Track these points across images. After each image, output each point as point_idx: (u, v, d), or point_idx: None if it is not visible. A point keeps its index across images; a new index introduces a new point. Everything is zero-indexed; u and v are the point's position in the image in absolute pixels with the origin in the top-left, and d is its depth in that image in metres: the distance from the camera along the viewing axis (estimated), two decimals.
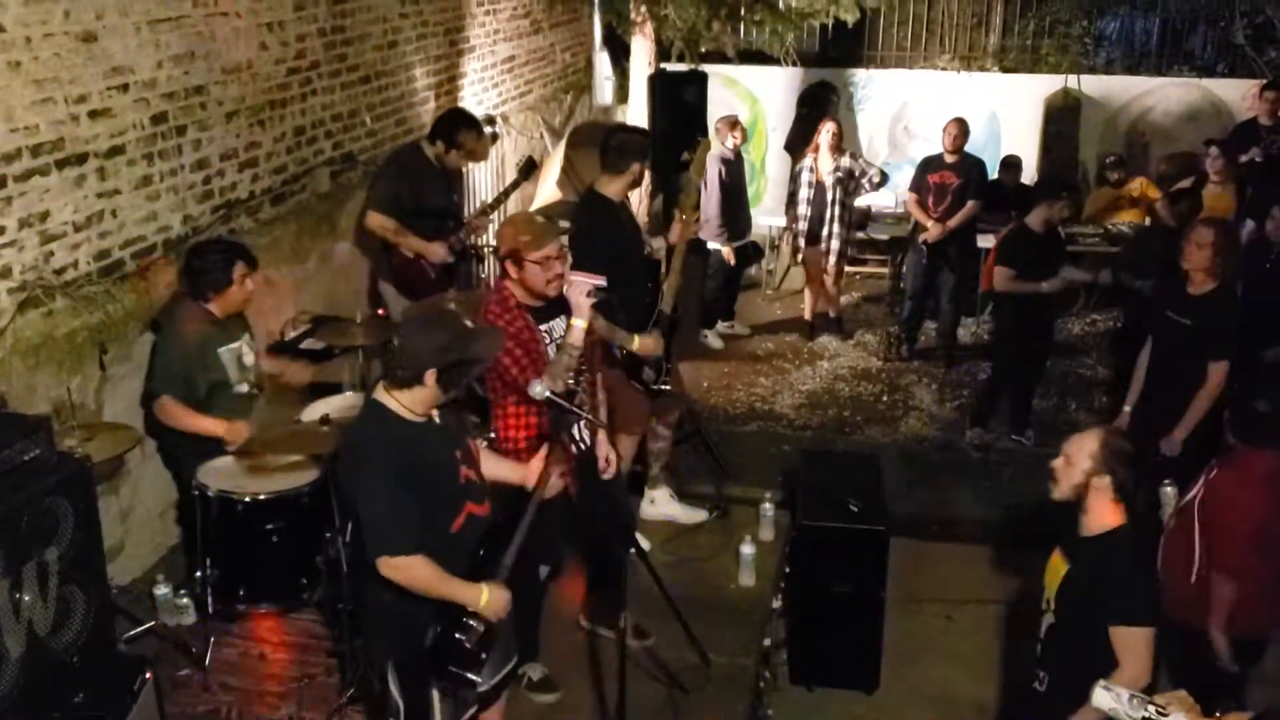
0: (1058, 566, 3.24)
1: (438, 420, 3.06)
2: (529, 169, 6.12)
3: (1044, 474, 6.13)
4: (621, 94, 9.51)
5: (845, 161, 7.77)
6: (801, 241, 7.88)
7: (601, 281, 4.53)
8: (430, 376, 2.92)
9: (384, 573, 2.90)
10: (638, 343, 4.53)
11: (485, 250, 7.48)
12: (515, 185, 6.09)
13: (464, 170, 6.82)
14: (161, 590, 4.27)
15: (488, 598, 2.99)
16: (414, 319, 3.06)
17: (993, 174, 8.41)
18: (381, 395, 2.99)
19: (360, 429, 3.03)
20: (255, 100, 5.21)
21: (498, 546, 3.13)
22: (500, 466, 3.44)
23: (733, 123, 7.86)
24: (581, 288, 3.84)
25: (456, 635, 2.99)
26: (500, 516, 3.23)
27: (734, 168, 7.85)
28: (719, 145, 7.56)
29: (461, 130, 5.64)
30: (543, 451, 3.28)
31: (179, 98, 4.70)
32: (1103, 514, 3.13)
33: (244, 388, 4.36)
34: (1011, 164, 8.59)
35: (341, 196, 5.95)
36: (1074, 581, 3.15)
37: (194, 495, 4.01)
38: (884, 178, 8.02)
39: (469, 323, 2.99)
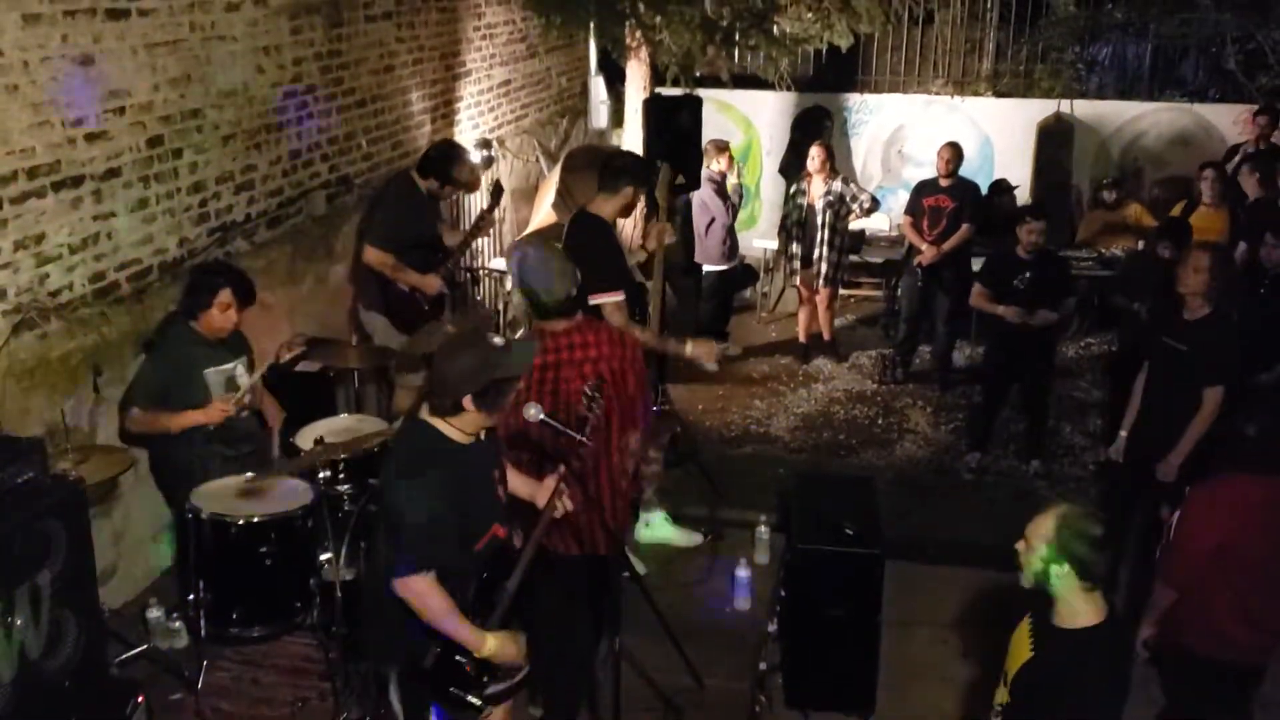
0: (1021, 646, 2.96)
1: (483, 438, 3.11)
2: (498, 193, 6.18)
3: (1040, 499, 6.22)
4: (616, 118, 9.57)
5: (837, 186, 7.84)
6: (797, 264, 7.94)
7: (621, 297, 4.59)
8: (469, 402, 2.96)
9: (399, 590, 2.92)
10: (690, 348, 4.57)
11: (481, 273, 7.52)
12: (490, 210, 6.14)
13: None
14: (154, 613, 4.27)
15: (493, 646, 2.98)
16: (444, 347, 3.11)
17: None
18: (429, 418, 3.02)
19: (410, 446, 3.05)
20: (251, 124, 5.25)
21: (502, 569, 3.14)
22: (514, 480, 3.46)
23: (720, 147, 7.93)
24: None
25: (458, 658, 2.99)
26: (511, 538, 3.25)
27: (720, 191, 7.91)
28: (706, 168, 7.62)
29: (455, 166, 5.72)
30: (560, 470, 3.30)
31: (175, 121, 4.73)
32: (1073, 606, 2.82)
33: (247, 398, 4.36)
34: (1003, 187, 8.66)
35: (337, 220, 5.99)
36: (1035, 672, 2.88)
37: (187, 518, 4.01)
38: (875, 204, 8.09)
39: (498, 340, 3.02)
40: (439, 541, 2.92)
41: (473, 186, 5.91)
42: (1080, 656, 2.80)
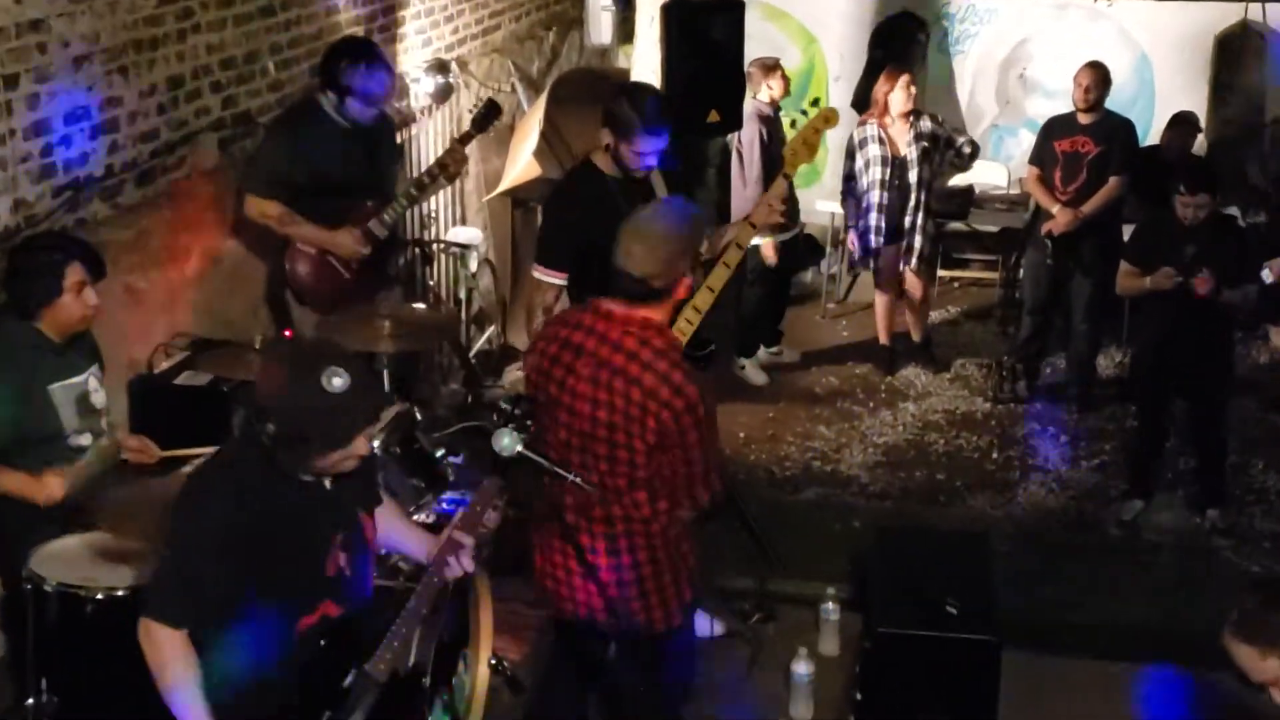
0: None
1: (328, 486, 3.18)
2: (486, 117, 6.13)
3: (1222, 564, 6.19)
4: (624, 31, 9.59)
5: (926, 124, 7.82)
6: (878, 240, 7.91)
7: (560, 280, 4.87)
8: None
9: (140, 633, 3.10)
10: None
11: (437, 249, 7.52)
12: (464, 140, 6.06)
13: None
14: None
15: None
16: (267, 364, 3.23)
17: (1148, 139, 8.43)
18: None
19: (210, 468, 3.24)
20: (115, 40, 5.26)
21: (346, 656, 3.19)
22: (403, 533, 3.60)
23: (770, 67, 7.93)
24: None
25: None
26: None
27: (775, 129, 7.92)
28: (750, 99, 7.62)
29: (343, 66, 5.58)
30: (457, 517, 3.37)
31: (8, 36, 4.75)
32: None
33: (85, 438, 4.36)
34: (1182, 121, 8.57)
35: (234, 172, 6.00)
36: None
37: (24, 590, 4.01)
38: (975, 149, 8.09)
39: (338, 382, 2.98)
40: (199, 601, 3.07)
41: (373, 95, 5.65)
42: None
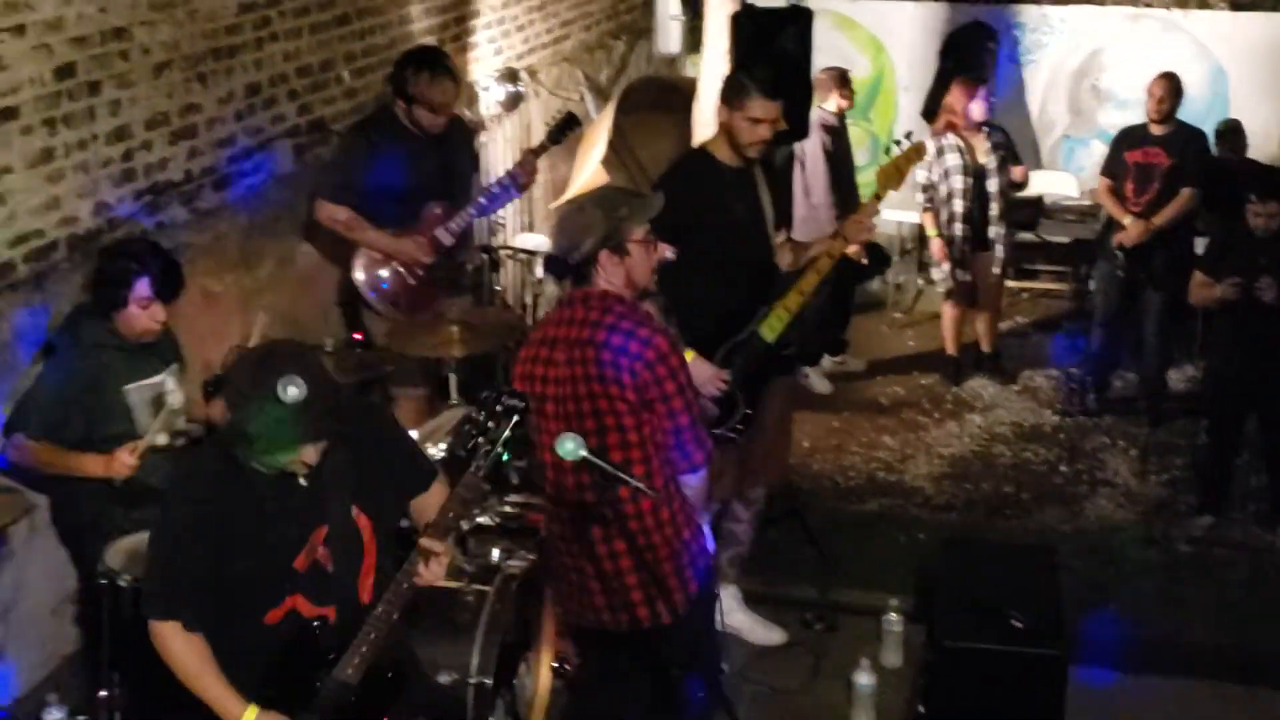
0: None
1: (303, 482, 3.19)
2: (564, 129, 6.21)
3: None
4: (692, 39, 9.61)
5: (999, 135, 7.84)
6: (962, 248, 7.88)
7: (669, 254, 4.60)
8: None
9: (151, 635, 3.22)
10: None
11: (505, 255, 7.58)
12: (538, 151, 6.16)
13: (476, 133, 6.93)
14: (54, 715, 4.34)
15: None
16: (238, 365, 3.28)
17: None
18: None
19: (193, 461, 3.43)
20: (194, 48, 5.36)
21: (316, 654, 3.23)
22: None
23: (839, 77, 7.95)
24: None
25: None
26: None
27: (840, 139, 7.94)
28: (817, 109, 7.64)
29: (408, 74, 5.70)
30: (428, 525, 3.35)
31: (92, 43, 4.85)
32: None
33: (162, 438, 4.42)
34: (1229, 131, 8.50)
35: (308, 179, 6.09)
36: None
37: (99, 585, 4.10)
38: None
39: (293, 391, 2.98)
40: (183, 589, 3.18)
41: (437, 105, 5.74)
42: None
